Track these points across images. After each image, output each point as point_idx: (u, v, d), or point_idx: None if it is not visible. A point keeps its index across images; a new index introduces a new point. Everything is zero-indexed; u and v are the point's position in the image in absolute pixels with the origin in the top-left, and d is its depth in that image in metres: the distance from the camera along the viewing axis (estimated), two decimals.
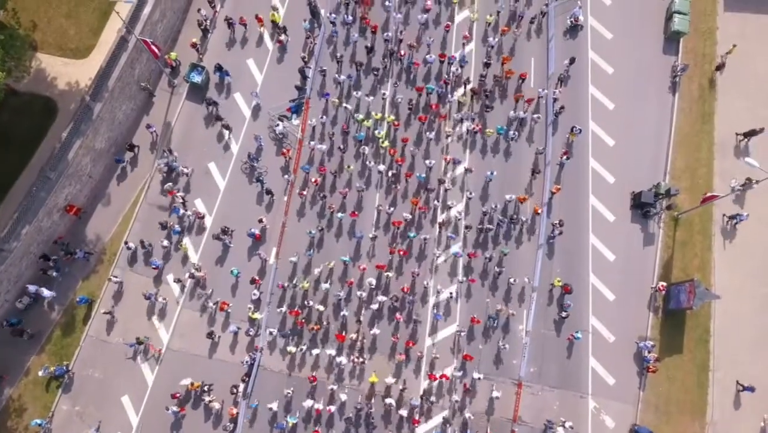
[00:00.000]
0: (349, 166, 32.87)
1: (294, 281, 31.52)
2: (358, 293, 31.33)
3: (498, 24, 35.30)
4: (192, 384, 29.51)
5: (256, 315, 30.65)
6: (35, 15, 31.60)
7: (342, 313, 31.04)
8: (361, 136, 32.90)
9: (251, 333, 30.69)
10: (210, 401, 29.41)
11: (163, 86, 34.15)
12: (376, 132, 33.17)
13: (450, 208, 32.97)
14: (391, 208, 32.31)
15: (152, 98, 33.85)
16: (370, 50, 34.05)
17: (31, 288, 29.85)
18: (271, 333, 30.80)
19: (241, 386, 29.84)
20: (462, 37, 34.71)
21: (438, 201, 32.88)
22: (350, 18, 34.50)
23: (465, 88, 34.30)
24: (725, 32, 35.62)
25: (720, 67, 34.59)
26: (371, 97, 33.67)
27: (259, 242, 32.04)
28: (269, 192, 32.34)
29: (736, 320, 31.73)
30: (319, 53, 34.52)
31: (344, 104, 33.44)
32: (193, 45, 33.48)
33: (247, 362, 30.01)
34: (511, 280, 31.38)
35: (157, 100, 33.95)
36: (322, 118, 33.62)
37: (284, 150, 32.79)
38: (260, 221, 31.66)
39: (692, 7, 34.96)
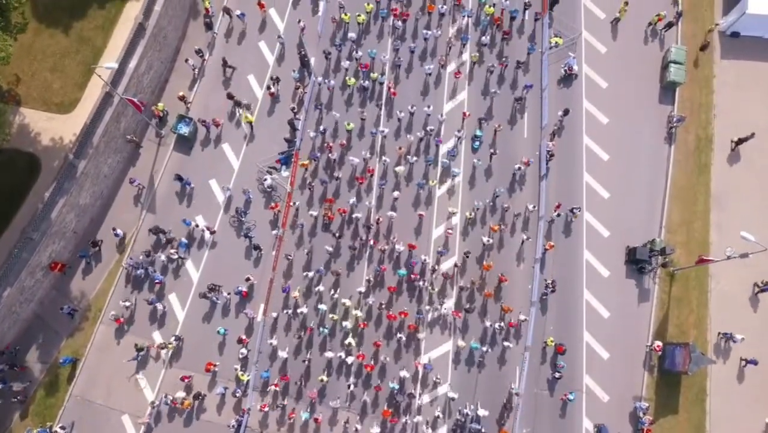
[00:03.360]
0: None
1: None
2: None
3: (477, 220, 32.78)
4: None
5: (244, 376, 30.02)
6: (19, 68, 30.99)
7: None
8: (325, 331, 30.73)
9: (238, 394, 30.11)
10: None
11: (151, 137, 33.63)
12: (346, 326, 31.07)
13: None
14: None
15: (139, 149, 33.31)
16: (340, 236, 31.93)
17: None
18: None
19: None
20: (445, 231, 32.47)
21: (419, 416, 30.18)
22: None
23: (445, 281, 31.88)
24: (722, 80, 35.05)
25: (704, 47, 34.49)
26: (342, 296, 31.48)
27: (246, 299, 31.45)
28: (257, 247, 31.76)
29: (733, 379, 31.14)
30: (309, 103, 33.95)
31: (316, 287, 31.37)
32: (181, 98, 32.90)
33: (233, 426, 29.41)
34: (507, 344, 30.82)
35: (144, 151, 33.42)
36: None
37: (272, 205, 32.20)
38: (247, 279, 31.08)
39: (688, 55, 34.42)
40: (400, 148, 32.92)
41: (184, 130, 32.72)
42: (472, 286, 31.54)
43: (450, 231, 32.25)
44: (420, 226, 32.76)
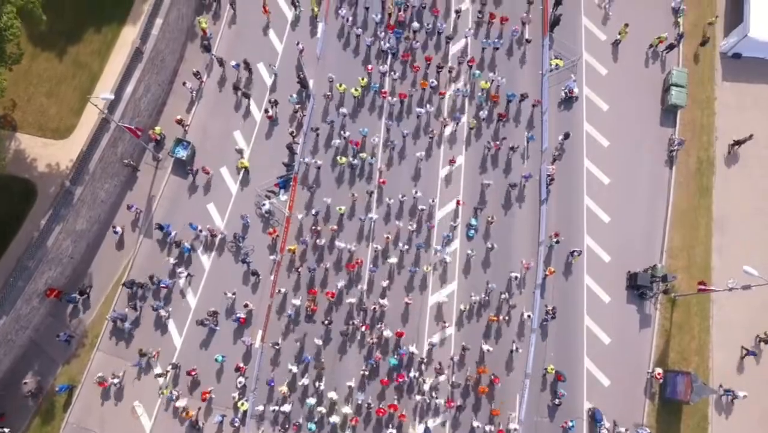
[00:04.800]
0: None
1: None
2: None
3: (473, 310, 31.60)
4: None
5: (244, 405, 29.72)
6: (15, 93, 30.74)
7: None
8: (312, 428, 29.23)
9: (236, 423, 29.84)
10: None
11: (148, 160, 33.37)
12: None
13: None
14: None
15: (136, 173, 33.06)
16: (329, 323, 30.94)
17: None
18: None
19: None
20: (440, 323, 31.52)
21: None
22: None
23: (437, 378, 30.65)
24: (723, 102, 34.81)
25: (704, 42, 34.41)
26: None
27: (244, 326, 31.18)
28: (255, 273, 31.49)
29: (735, 406, 30.85)
30: (308, 127, 33.67)
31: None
32: (179, 121, 32.67)
33: None
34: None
35: (142, 174, 33.16)
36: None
37: (270, 230, 31.95)
38: (245, 305, 30.82)
39: (690, 77, 34.16)
40: (387, 237, 31.71)
41: (182, 153, 32.47)
42: (466, 382, 30.36)
43: (446, 324, 31.31)
44: (408, 313, 31.55)
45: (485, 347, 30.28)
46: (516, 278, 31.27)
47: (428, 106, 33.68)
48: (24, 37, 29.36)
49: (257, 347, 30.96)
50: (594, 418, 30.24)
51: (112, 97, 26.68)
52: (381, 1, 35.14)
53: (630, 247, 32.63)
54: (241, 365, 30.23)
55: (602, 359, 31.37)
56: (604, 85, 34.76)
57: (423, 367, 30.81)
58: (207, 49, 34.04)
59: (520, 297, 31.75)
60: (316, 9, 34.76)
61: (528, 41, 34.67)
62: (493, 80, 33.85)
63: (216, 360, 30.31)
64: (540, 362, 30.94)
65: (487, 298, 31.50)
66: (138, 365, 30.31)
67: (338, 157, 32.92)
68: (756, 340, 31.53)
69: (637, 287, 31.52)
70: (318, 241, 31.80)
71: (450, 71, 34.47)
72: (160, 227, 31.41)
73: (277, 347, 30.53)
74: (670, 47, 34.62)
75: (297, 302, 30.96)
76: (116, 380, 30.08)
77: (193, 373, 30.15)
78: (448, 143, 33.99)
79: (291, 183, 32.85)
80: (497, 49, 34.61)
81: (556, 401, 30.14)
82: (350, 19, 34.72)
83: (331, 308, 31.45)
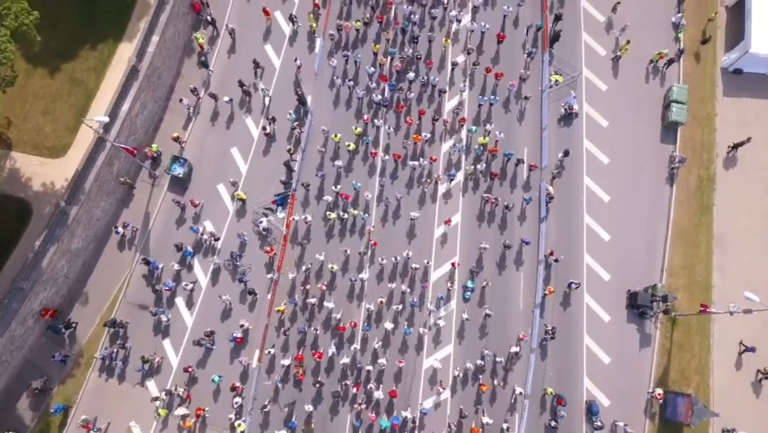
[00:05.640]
0: None
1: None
2: None
3: (468, 377, 30.76)
4: None
5: (241, 426, 29.42)
6: (10, 112, 30.49)
7: None
8: None
9: None
10: None
11: (144, 177, 33.10)
12: None
13: None
14: None
15: (132, 191, 32.79)
16: (321, 385, 29.99)
17: None
18: None
19: None
20: (434, 387, 30.74)
21: None
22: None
23: None
24: (724, 118, 34.56)
25: (705, 41, 34.39)
26: None
27: (240, 346, 30.92)
28: (252, 292, 31.22)
29: (736, 426, 30.60)
30: (306, 143, 33.40)
31: None
32: (175, 138, 32.40)
33: None
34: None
35: (138, 192, 32.91)
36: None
37: (267, 249, 31.69)
38: (242, 325, 30.55)
39: (691, 93, 33.91)
40: (381, 301, 31.11)
41: (179, 170, 32.23)
42: None
43: (441, 387, 30.49)
44: (401, 375, 30.77)
45: (484, 419, 29.45)
46: (516, 353, 30.56)
47: (421, 159, 32.94)
48: (19, 55, 29.04)
49: (254, 367, 30.70)
50: (590, 410, 30.09)
51: (107, 120, 26.38)
52: (374, 53, 34.27)
53: (630, 265, 32.40)
54: (238, 384, 29.97)
55: (602, 379, 31.14)
56: (604, 101, 34.51)
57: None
58: (204, 65, 33.77)
59: (517, 368, 31.00)
60: (314, 24, 34.48)
61: (526, 98, 33.79)
62: (489, 131, 33.12)
63: (213, 381, 30.03)
64: (539, 382, 30.73)
65: (482, 363, 30.56)
66: (141, 370, 30.14)
67: (328, 213, 31.91)
68: (756, 375, 31.14)
69: (637, 306, 31.28)
70: (308, 300, 30.84)
71: (444, 124, 33.74)
72: (147, 262, 30.94)
73: (266, 409, 29.81)
74: (670, 62, 34.39)
75: (286, 362, 30.32)
76: (102, 426, 29.67)
77: (189, 370, 30.06)
78: (444, 199, 33.15)
79: (288, 200, 32.59)
80: (492, 104, 33.91)
81: (553, 424, 29.91)
82: (343, 67, 34.03)
83: (320, 368, 30.68)
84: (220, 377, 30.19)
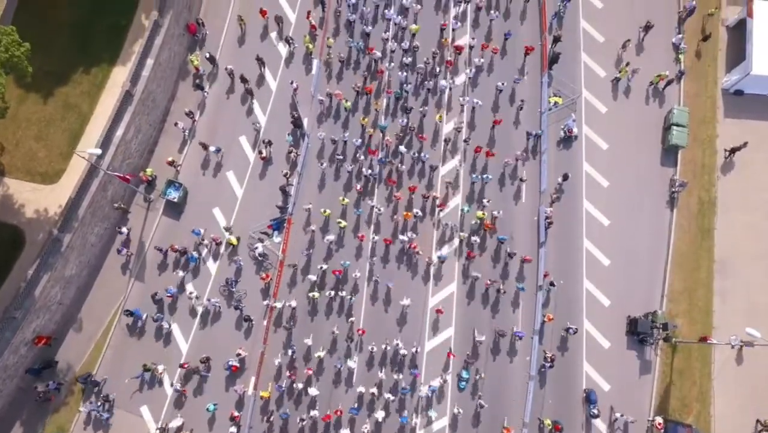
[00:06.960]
0: None
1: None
2: None
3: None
4: None
5: None
6: (2, 137, 30.12)
7: None
8: None
9: None
10: None
11: (139, 202, 32.75)
12: None
13: None
14: None
15: (127, 215, 32.43)
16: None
17: None
18: None
19: None
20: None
21: None
22: None
23: None
24: (726, 140, 34.16)
25: (706, 38, 34.00)
26: None
27: (236, 374, 30.58)
28: (248, 319, 30.88)
29: None
30: (303, 166, 33.03)
31: None
32: (170, 162, 32.06)
33: None
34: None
35: (133, 216, 32.54)
36: None
37: (263, 276, 31.33)
38: (238, 354, 30.20)
39: (692, 114, 33.55)
40: (373, 394, 30.22)
41: (174, 195, 31.90)
42: None
43: None
44: None
45: None
46: None
47: (410, 234, 31.99)
48: (11, 80, 28.63)
49: (250, 395, 30.36)
50: (588, 399, 29.84)
51: (99, 152, 25.98)
52: (361, 126, 33.46)
53: (630, 290, 32.04)
54: (236, 413, 29.61)
55: (602, 407, 30.65)
56: (604, 123, 34.14)
57: None
58: (199, 87, 33.41)
59: (515, 399, 30.47)
60: (310, 46, 34.10)
61: (522, 180, 32.78)
62: (486, 206, 32.20)
63: (207, 409, 29.70)
64: (538, 410, 30.38)
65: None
66: (140, 377, 29.87)
67: (311, 294, 31.12)
68: (756, 425, 30.56)
69: (638, 333, 30.93)
70: (295, 385, 29.99)
71: (434, 200, 32.82)
72: (130, 313, 30.36)
73: None
74: (668, 83, 34.03)
75: None
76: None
77: (185, 366, 29.80)
78: (435, 280, 32.07)
79: (285, 225, 32.24)
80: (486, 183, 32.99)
81: None
82: (332, 139, 33.30)
83: None
84: (215, 405, 29.85)
